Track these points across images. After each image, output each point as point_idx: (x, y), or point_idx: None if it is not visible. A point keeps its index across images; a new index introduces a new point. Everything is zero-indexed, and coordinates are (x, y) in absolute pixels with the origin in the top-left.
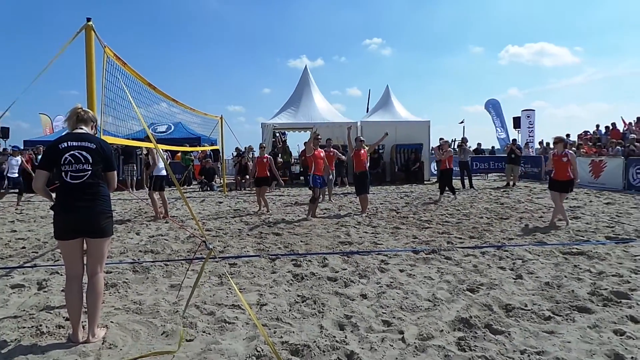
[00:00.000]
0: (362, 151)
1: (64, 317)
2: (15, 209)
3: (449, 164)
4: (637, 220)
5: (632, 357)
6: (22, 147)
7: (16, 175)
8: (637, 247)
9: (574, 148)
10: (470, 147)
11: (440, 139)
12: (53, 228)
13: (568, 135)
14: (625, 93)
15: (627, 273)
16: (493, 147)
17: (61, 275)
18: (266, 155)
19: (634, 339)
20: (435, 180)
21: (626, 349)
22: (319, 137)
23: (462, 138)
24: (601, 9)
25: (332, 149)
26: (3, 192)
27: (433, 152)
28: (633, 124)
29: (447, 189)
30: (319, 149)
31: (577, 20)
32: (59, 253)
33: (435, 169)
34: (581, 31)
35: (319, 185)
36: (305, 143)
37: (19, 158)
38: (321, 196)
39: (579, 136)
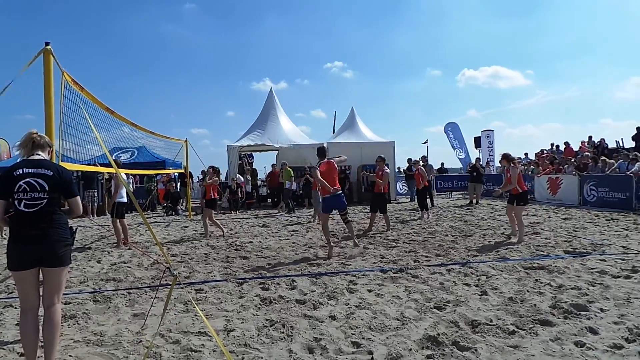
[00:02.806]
0: (381, 172)
1: (18, 353)
2: None
3: (423, 181)
4: (592, 234)
5: None
6: None
7: None
8: (593, 260)
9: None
10: (430, 166)
11: (409, 159)
12: (6, 258)
13: (526, 154)
14: (575, 114)
15: (585, 285)
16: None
17: (15, 308)
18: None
19: (593, 350)
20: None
21: (586, 359)
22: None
23: (422, 157)
24: (550, 36)
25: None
26: None
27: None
28: (585, 144)
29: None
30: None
31: (528, 44)
32: (12, 285)
33: (402, 188)
34: (531, 56)
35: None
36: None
37: None
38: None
39: (537, 155)
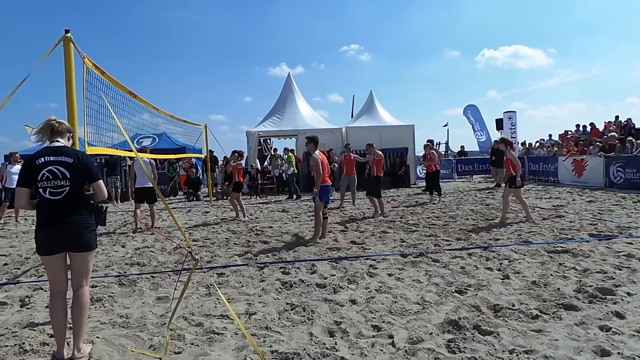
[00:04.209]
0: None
1: (48, 334)
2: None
3: (435, 165)
4: (618, 217)
5: (618, 353)
6: (3, 161)
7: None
8: (619, 244)
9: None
10: (447, 151)
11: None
12: (35, 244)
13: (550, 136)
14: (599, 93)
15: (611, 269)
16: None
17: (45, 291)
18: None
19: (619, 334)
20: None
21: (612, 344)
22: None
23: (428, 140)
24: (572, 13)
25: (352, 154)
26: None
27: (422, 158)
28: (612, 123)
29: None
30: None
31: (549, 23)
32: (42, 269)
33: (422, 171)
34: (554, 33)
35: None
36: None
37: (19, 167)
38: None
39: (561, 136)
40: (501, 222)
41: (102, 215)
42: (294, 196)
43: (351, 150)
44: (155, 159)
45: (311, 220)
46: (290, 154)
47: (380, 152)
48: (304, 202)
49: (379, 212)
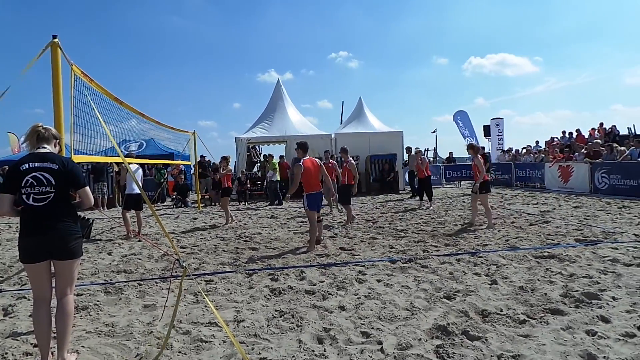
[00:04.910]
0: (346, 163)
1: (31, 344)
2: None
3: (427, 171)
4: (604, 222)
5: (604, 357)
6: None
7: None
8: (605, 249)
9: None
10: (436, 157)
11: (407, 148)
12: (18, 251)
13: (537, 142)
14: (585, 101)
15: (597, 274)
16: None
17: (28, 299)
18: (229, 167)
19: (605, 339)
20: (410, 189)
21: (598, 348)
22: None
23: (407, 147)
24: (558, 21)
25: (331, 161)
26: None
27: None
28: (596, 131)
29: (424, 196)
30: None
31: (535, 31)
32: (25, 277)
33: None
34: (540, 42)
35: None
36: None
37: None
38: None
39: (547, 142)
40: (488, 228)
41: (88, 229)
42: (275, 202)
43: (331, 157)
44: (142, 166)
45: (300, 226)
46: (274, 160)
47: (352, 161)
48: (292, 208)
49: (350, 218)
